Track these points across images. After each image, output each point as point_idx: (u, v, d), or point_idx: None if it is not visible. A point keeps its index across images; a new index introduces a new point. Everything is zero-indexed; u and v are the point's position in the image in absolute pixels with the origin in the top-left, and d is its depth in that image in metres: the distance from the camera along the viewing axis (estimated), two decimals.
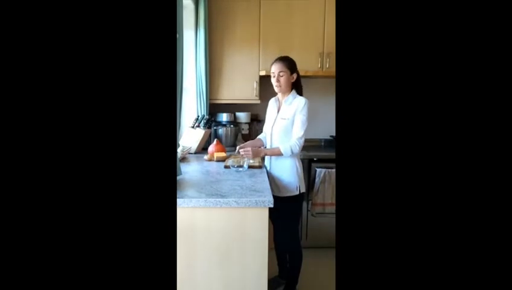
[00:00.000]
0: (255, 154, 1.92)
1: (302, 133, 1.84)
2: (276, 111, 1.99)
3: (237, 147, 1.98)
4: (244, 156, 1.93)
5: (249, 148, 1.91)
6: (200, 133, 2.55)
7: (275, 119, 1.97)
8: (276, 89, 1.94)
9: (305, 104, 1.85)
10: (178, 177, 1.73)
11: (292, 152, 1.85)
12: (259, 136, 2.15)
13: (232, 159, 2.09)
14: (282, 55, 1.95)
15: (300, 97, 1.90)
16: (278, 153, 1.88)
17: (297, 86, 1.96)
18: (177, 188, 1.57)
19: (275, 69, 1.89)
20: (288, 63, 1.89)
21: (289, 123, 1.88)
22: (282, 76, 1.88)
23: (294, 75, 1.92)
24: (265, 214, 1.45)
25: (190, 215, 1.44)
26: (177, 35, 1.48)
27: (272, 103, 2.06)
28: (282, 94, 1.96)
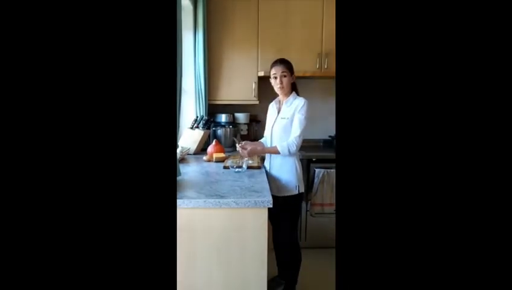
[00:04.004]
0: (250, 153, 1.93)
1: (299, 132, 1.85)
2: (277, 112, 2.01)
3: (236, 144, 1.98)
4: (240, 153, 1.94)
5: (247, 147, 1.92)
6: (199, 134, 2.56)
7: (275, 120, 1.98)
8: (278, 91, 1.96)
9: (304, 104, 1.87)
10: (177, 178, 1.73)
11: (289, 151, 1.85)
12: (260, 140, 2.15)
13: (231, 160, 2.09)
14: (279, 57, 1.97)
15: (300, 98, 1.92)
16: (275, 151, 1.89)
17: (295, 88, 2.00)
18: (177, 189, 1.56)
19: (277, 71, 1.91)
20: (289, 65, 1.94)
21: (288, 122, 1.89)
22: (285, 76, 1.91)
23: (294, 77, 1.97)
24: (265, 214, 1.45)
25: (190, 216, 1.44)
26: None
27: (272, 106, 2.07)
28: (284, 96, 1.98)
